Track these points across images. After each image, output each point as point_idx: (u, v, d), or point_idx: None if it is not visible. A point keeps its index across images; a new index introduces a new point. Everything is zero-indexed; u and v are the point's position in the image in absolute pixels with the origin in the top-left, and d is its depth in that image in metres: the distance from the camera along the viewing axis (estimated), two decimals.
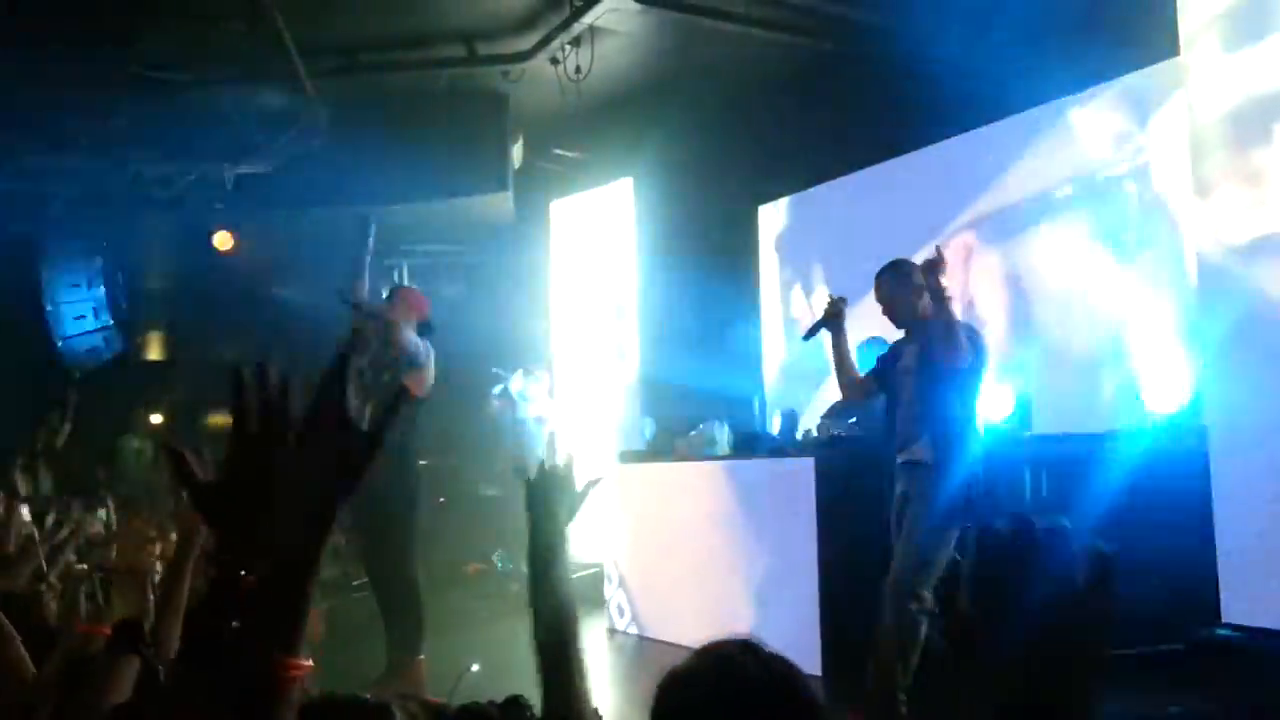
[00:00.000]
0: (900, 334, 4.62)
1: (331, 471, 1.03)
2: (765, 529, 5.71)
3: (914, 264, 4.43)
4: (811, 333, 4.70)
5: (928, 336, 4.29)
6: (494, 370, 8.49)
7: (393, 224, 9.46)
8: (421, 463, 5.85)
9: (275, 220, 9.09)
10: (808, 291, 8.42)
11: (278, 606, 1.04)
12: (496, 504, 8.96)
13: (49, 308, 9.06)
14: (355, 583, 7.09)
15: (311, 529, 1.03)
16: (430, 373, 5.32)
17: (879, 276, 4.53)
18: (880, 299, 4.50)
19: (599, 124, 8.65)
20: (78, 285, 9.11)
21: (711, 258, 8.68)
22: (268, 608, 1.03)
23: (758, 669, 1.32)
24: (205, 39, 7.50)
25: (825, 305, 4.63)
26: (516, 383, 8.54)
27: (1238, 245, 4.94)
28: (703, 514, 6.20)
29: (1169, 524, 4.79)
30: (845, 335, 4.60)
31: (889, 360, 4.59)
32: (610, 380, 9.15)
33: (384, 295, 5.90)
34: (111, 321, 9.26)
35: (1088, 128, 6.37)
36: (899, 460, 4.38)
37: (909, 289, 4.37)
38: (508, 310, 10.17)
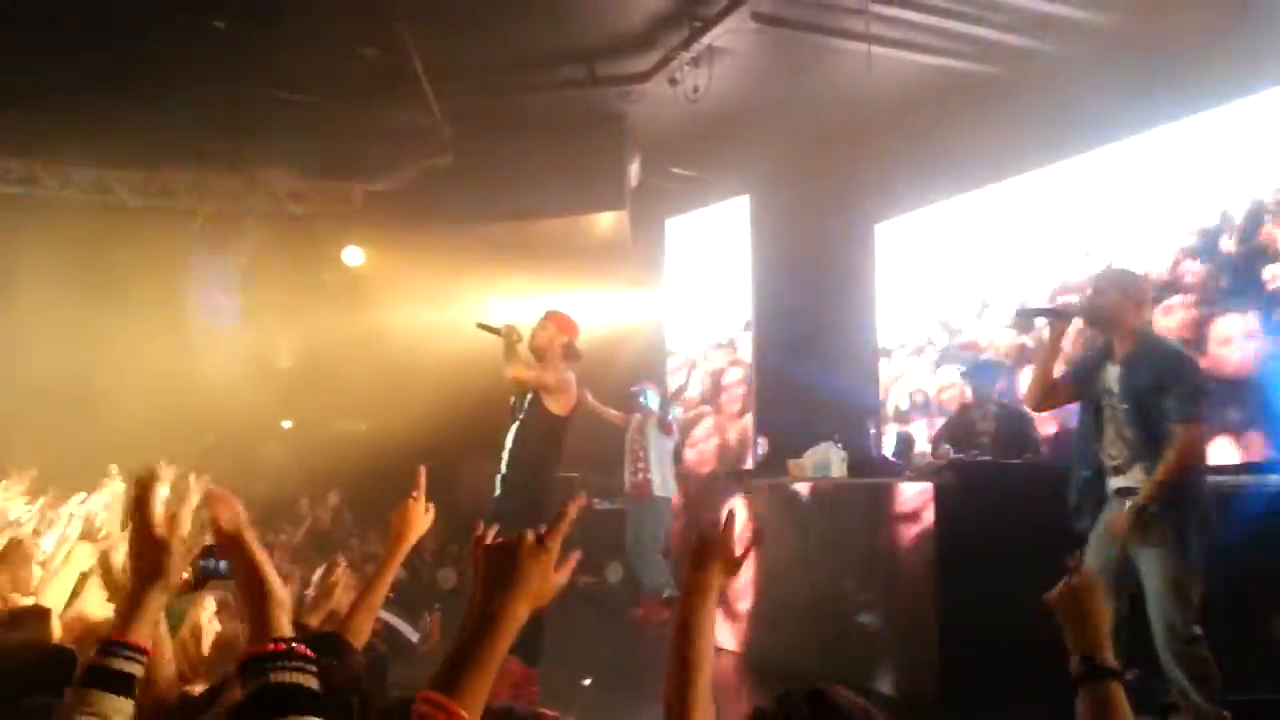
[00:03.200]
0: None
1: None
2: (880, 553, 5.62)
3: (1141, 280, 4.40)
4: (1033, 313, 4.54)
5: (1150, 366, 4.12)
6: (633, 389, 8.52)
7: (513, 241, 9.71)
8: None
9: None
10: (923, 311, 8.27)
11: (459, 651, 1.33)
12: (612, 519, 9.00)
13: None
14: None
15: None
16: (573, 394, 5.39)
17: (1102, 276, 4.42)
18: (1093, 298, 4.36)
19: (716, 142, 8.67)
20: None
21: (828, 276, 8.61)
22: (454, 651, 1.33)
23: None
24: (339, 62, 7.79)
25: (1061, 303, 4.47)
26: (655, 400, 8.53)
27: None
28: (815, 536, 6.12)
29: None
30: (1063, 339, 4.50)
31: (1085, 372, 4.43)
32: (725, 398, 9.15)
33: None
34: None
35: (1211, 148, 6.12)
36: (1113, 486, 4.21)
37: (1128, 298, 4.26)
38: (624, 327, 10.25)
